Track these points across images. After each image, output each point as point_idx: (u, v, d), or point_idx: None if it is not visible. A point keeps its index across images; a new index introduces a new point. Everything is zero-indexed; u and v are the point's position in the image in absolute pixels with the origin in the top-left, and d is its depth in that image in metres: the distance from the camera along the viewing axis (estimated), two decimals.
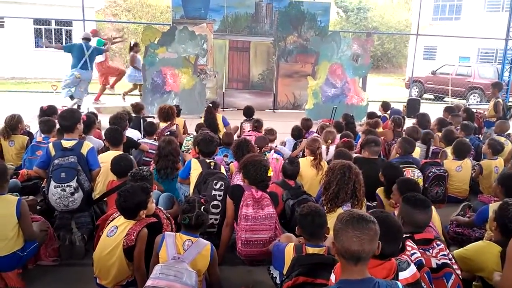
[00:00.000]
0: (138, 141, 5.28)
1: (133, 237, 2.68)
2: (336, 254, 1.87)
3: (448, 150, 5.27)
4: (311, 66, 10.70)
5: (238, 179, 3.97)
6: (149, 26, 11.24)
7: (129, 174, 3.49)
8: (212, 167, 3.89)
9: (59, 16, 17.19)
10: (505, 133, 6.48)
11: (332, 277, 2.09)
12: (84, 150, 3.70)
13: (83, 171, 3.64)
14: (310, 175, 4.41)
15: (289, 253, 2.61)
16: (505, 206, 2.73)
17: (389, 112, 8.23)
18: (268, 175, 3.45)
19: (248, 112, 7.06)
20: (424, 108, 10.74)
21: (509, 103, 11.29)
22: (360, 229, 1.77)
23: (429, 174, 4.77)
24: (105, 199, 3.84)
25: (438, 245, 2.53)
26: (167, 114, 6.12)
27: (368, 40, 10.65)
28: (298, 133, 6.06)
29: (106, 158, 4.05)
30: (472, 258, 2.69)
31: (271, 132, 5.68)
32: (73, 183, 3.54)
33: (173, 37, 9.89)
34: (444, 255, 2.46)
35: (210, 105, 6.74)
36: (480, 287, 2.72)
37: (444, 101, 15.29)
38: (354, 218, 1.81)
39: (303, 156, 4.99)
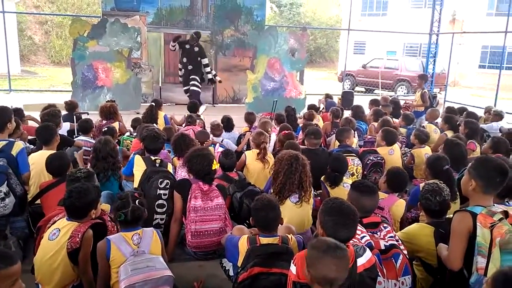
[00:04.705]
0: (74, 138, 4.99)
1: (77, 239, 2.51)
2: (310, 281, 1.91)
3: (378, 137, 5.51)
4: (249, 60, 10.73)
5: (183, 174, 3.89)
6: (78, 18, 10.65)
7: (67, 175, 3.26)
8: (157, 165, 3.75)
9: None
10: (435, 120, 6.96)
11: (293, 268, 2.09)
12: (15, 152, 3.42)
13: (15, 174, 3.36)
14: (256, 168, 4.43)
15: (243, 245, 2.58)
16: (424, 191, 3.05)
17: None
18: (213, 168, 3.41)
19: (193, 107, 6.95)
20: (357, 100, 11.18)
21: (434, 93, 12.17)
22: (339, 258, 1.86)
23: (367, 162, 4.96)
24: (39, 201, 3.55)
25: (385, 227, 2.63)
26: (109, 112, 5.90)
27: (303, 34, 10.86)
28: (226, 124, 6.01)
29: (38, 158, 3.77)
30: (409, 241, 2.83)
31: (217, 127, 5.62)
32: (3, 188, 3.26)
33: (104, 30, 9.44)
34: (391, 236, 2.56)
35: (153, 104, 6.50)
36: (419, 265, 2.88)
37: (375, 93, 16.04)
38: (331, 247, 1.88)
39: (248, 149, 4.99)
